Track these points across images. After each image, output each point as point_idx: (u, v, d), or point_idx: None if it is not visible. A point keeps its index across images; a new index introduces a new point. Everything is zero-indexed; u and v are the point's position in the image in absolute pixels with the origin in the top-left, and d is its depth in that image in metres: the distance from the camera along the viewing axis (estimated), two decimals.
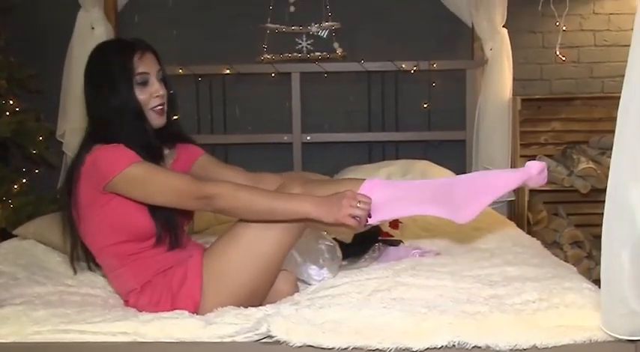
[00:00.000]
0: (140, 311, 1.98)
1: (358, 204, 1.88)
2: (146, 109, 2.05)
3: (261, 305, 2.03)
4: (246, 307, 1.93)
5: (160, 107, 2.08)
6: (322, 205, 1.89)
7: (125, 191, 1.93)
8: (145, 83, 2.04)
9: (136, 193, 1.94)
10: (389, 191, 2.02)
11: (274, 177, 2.34)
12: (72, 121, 3.85)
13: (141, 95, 2.03)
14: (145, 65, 2.05)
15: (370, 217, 1.95)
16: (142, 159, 1.95)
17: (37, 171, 3.92)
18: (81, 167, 1.97)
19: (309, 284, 2.16)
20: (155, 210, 1.98)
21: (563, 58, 3.92)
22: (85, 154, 1.97)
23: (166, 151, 2.21)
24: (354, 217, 1.88)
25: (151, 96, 2.05)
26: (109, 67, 2.03)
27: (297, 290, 2.15)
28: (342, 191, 1.92)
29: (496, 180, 1.98)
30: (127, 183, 1.92)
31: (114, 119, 2.01)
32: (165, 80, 2.12)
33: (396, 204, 2.00)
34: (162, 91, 2.08)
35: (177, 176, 1.96)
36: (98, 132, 2.02)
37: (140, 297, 2.01)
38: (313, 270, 2.17)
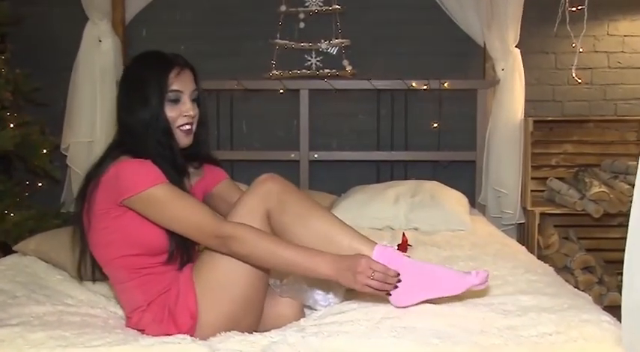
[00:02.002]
0: (142, 331, 1.96)
1: (373, 274, 1.79)
2: (173, 127, 2.02)
3: (259, 321, 2.03)
4: (244, 320, 1.92)
5: (187, 127, 2.05)
6: (341, 271, 1.81)
7: (142, 210, 1.90)
8: (176, 101, 2.01)
9: (153, 215, 1.90)
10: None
11: None
12: (77, 135, 3.84)
13: (170, 112, 2.00)
14: (180, 83, 2.02)
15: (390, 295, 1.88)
16: (167, 177, 1.91)
17: (40, 184, 3.88)
18: (102, 175, 1.93)
19: (315, 310, 2.10)
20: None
21: (579, 80, 3.87)
22: (110, 163, 1.93)
23: (192, 170, 2.18)
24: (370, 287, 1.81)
25: (181, 114, 2.02)
26: (144, 79, 2.00)
27: (302, 315, 2.09)
28: (359, 257, 1.83)
29: (445, 282, 1.89)
30: (146, 204, 1.88)
31: (141, 131, 1.98)
32: (199, 101, 2.10)
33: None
34: (192, 112, 2.05)
35: (199, 208, 1.91)
36: (125, 141, 2.00)
37: (144, 315, 1.97)
38: (319, 295, 2.10)
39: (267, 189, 1.99)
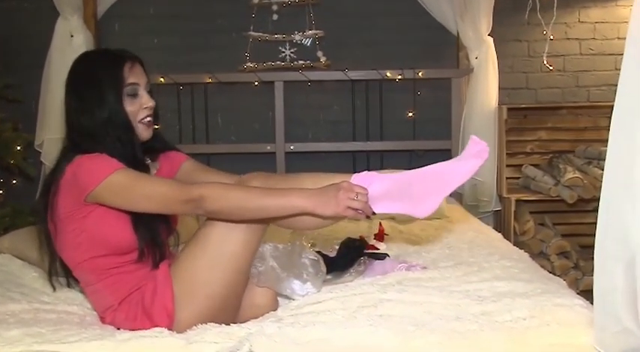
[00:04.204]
0: (118, 328, 1.93)
1: (356, 197, 1.82)
2: (134, 121, 2.00)
3: (237, 315, 2.01)
4: (222, 316, 1.90)
5: (148, 119, 2.03)
6: (318, 198, 1.82)
7: (109, 200, 1.87)
8: (134, 94, 1.99)
9: (121, 201, 1.87)
10: (378, 186, 1.96)
11: (264, 177, 2.27)
12: (51, 131, 3.80)
13: (130, 107, 1.98)
14: (135, 76, 2.00)
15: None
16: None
17: (14, 181, 3.84)
18: (60, 178, 1.90)
19: (293, 299, 2.10)
20: (138, 226, 1.92)
21: (551, 67, 3.89)
22: (66, 164, 1.90)
23: (148, 161, 2.15)
24: (353, 209, 1.82)
25: (141, 107, 2.00)
26: (97, 78, 1.96)
27: (277, 304, 2.10)
28: (338, 182, 1.86)
29: (454, 171, 1.94)
30: (110, 191, 1.85)
31: (100, 132, 1.94)
32: (150, 91, 2.07)
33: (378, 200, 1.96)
34: (151, 103, 2.03)
35: (162, 181, 1.91)
36: (80, 143, 1.95)
37: (116, 314, 1.96)
38: (296, 285, 2.11)
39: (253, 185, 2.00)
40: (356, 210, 1.82)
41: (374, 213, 1.89)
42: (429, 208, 1.92)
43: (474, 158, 1.92)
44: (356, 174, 2.00)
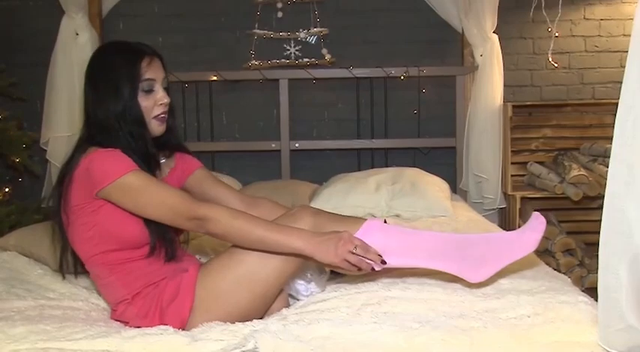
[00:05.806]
0: (126, 323, 1.94)
1: (354, 250, 1.82)
2: (148, 117, 1.99)
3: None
4: None
5: (162, 115, 2.02)
6: (318, 244, 1.83)
7: (117, 200, 1.87)
8: (150, 90, 1.98)
9: (128, 203, 1.87)
10: (391, 236, 1.97)
11: (271, 205, 2.29)
12: (56, 129, 3.81)
13: (144, 102, 1.97)
14: (153, 71, 1.99)
15: (384, 263, 1.89)
16: (139, 167, 1.89)
17: (19, 180, 3.85)
18: (74, 170, 1.90)
19: (297, 300, 2.11)
20: (149, 221, 1.92)
21: (556, 65, 3.89)
22: (81, 156, 1.90)
23: (163, 160, 2.16)
24: (348, 262, 1.83)
25: (155, 103, 1.99)
26: (114, 70, 1.95)
27: (287, 305, 2.10)
28: (340, 231, 1.87)
29: (514, 242, 1.95)
30: (120, 192, 1.85)
31: (113, 124, 1.93)
32: (167, 88, 2.07)
33: (400, 253, 1.94)
34: (166, 100, 2.02)
35: (173, 192, 1.90)
36: (96, 136, 1.95)
37: (129, 307, 1.95)
38: (301, 286, 2.11)
39: (304, 222, 2.01)
40: (351, 264, 1.83)
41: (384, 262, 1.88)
42: (485, 275, 1.94)
43: (534, 232, 1.95)
44: (370, 220, 2.02)
